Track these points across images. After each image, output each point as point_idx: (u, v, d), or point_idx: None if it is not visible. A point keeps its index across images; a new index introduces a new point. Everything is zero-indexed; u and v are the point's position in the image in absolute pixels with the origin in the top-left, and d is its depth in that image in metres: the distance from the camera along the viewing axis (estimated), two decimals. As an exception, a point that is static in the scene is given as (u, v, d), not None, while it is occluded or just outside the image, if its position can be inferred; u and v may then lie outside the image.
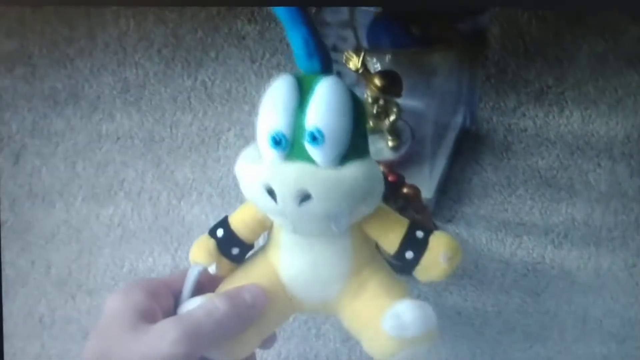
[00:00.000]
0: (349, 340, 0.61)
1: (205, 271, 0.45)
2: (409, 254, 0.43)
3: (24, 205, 0.71)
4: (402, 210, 0.59)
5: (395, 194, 0.59)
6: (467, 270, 0.63)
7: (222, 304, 0.43)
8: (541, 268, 0.63)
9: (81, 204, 0.70)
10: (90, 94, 0.76)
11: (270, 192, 0.40)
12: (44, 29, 0.81)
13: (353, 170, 0.40)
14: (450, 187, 0.68)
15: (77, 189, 0.71)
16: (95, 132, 0.74)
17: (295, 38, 0.42)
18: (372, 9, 0.63)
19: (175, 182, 0.70)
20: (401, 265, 0.44)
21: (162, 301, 0.43)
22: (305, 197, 0.40)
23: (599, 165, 0.67)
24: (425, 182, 0.65)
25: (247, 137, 0.72)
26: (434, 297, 0.63)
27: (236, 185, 0.69)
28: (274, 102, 0.41)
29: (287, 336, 0.62)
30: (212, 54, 0.77)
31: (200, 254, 0.45)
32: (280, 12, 0.42)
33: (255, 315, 0.44)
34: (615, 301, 0.61)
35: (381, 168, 0.59)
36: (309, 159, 0.40)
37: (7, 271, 0.68)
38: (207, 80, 0.76)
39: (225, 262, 0.46)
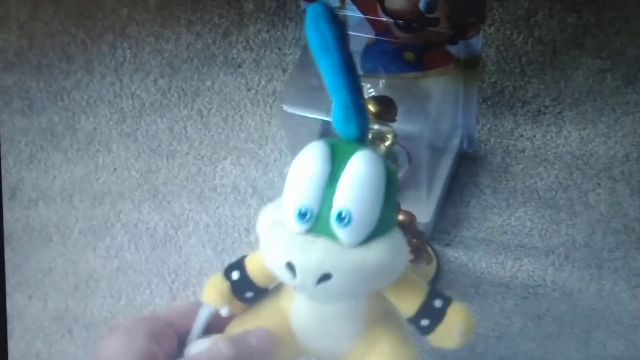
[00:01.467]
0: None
1: (215, 312, 0.45)
2: (425, 322, 0.43)
3: (21, 239, 0.71)
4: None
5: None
6: (467, 295, 0.63)
7: (227, 348, 0.42)
8: (542, 291, 0.62)
9: (78, 237, 0.70)
10: (87, 125, 0.76)
11: (290, 267, 0.39)
12: (41, 62, 0.81)
13: (378, 251, 0.39)
14: (449, 211, 0.67)
15: (74, 221, 0.71)
16: (91, 164, 0.74)
17: (336, 100, 0.40)
18: (365, 35, 0.64)
19: (172, 212, 0.70)
20: (416, 328, 0.44)
21: (165, 342, 0.43)
22: (325, 277, 0.39)
23: (598, 185, 0.67)
24: (422, 206, 0.64)
25: (243, 165, 0.72)
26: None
27: (233, 215, 0.69)
28: (303, 171, 0.40)
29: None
30: (208, 83, 0.77)
31: (213, 296, 0.45)
32: (324, 70, 0.40)
33: None
34: (619, 323, 0.60)
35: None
36: (333, 236, 0.39)
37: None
38: (203, 109, 0.76)
39: (238, 304, 0.45)
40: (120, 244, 0.69)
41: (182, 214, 0.70)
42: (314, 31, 0.39)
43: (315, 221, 0.39)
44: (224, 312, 0.44)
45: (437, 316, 0.42)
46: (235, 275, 0.44)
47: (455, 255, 0.65)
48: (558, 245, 0.64)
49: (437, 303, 0.42)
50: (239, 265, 0.45)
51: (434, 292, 0.43)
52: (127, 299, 0.66)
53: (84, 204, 0.72)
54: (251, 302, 0.45)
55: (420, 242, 0.61)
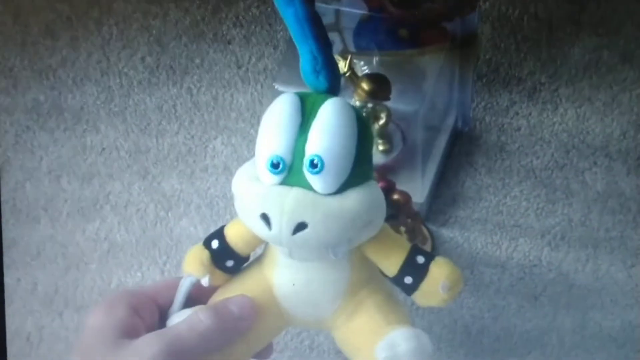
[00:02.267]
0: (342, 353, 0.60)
1: (197, 283, 0.44)
2: (408, 280, 0.42)
3: (8, 221, 0.69)
4: (393, 217, 0.58)
5: (386, 200, 0.57)
6: (463, 275, 0.62)
7: (206, 317, 0.41)
8: (538, 271, 0.62)
9: (66, 219, 0.68)
10: (74, 105, 0.75)
11: (265, 218, 0.39)
12: (25, 39, 0.79)
13: (354, 199, 0.39)
14: (444, 191, 0.66)
15: (62, 203, 0.69)
16: (79, 145, 0.72)
17: (303, 52, 0.40)
18: (358, 11, 0.62)
19: (162, 193, 0.69)
20: (401, 288, 0.43)
21: (146, 315, 0.42)
22: (301, 226, 0.38)
23: (595, 163, 0.66)
24: (417, 186, 0.64)
25: (234, 144, 0.71)
26: (429, 304, 0.61)
27: (224, 195, 0.68)
28: (274, 123, 0.39)
29: (281, 349, 0.61)
30: (197, 60, 0.76)
31: (194, 266, 0.44)
32: (289, 22, 0.40)
33: (243, 328, 0.43)
34: (615, 303, 0.60)
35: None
36: (308, 185, 0.38)
37: (-8, 289, 0.66)
38: (192, 87, 0.74)
39: (219, 273, 0.44)
40: (110, 226, 0.68)
41: (173, 195, 0.69)
42: None
43: (289, 172, 0.39)
44: (205, 281, 0.44)
45: (420, 272, 0.42)
46: (214, 244, 0.44)
47: (450, 235, 0.64)
48: (554, 224, 0.63)
49: (420, 259, 0.42)
50: (218, 234, 0.44)
51: (416, 248, 0.42)
52: (118, 281, 0.65)
53: (72, 185, 0.70)
54: (232, 272, 0.45)
55: (416, 223, 0.61)
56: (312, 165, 0.38)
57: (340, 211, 0.38)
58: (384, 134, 0.65)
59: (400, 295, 0.44)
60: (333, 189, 0.39)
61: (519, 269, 0.62)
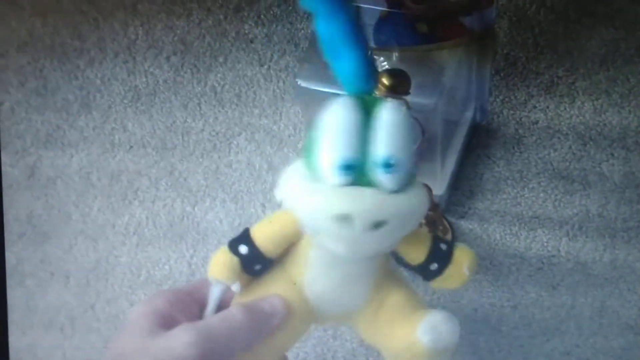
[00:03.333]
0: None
1: (227, 289, 0.44)
2: (434, 266, 0.45)
3: (41, 217, 0.72)
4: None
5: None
6: (482, 266, 0.63)
7: (239, 312, 0.43)
8: (556, 261, 0.63)
9: (97, 214, 0.71)
10: (102, 103, 0.77)
11: (343, 218, 0.39)
12: (54, 41, 0.81)
13: (417, 194, 0.41)
14: (462, 183, 0.67)
15: (92, 199, 0.72)
16: (108, 142, 0.74)
17: (350, 59, 0.41)
18: (377, 8, 0.63)
19: (188, 188, 0.71)
20: (425, 274, 0.45)
21: (185, 309, 0.44)
22: (380, 224, 0.40)
23: (612, 155, 0.67)
24: (436, 179, 0.65)
25: (258, 140, 0.72)
26: (450, 294, 0.62)
27: (249, 190, 0.70)
28: (339, 126, 0.40)
29: (304, 337, 0.62)
30: (221, 59, 0.78)
31: (223, 272, 0.44)
32: (333, 29, 0.41)
33: (274, 326, 0.44)
34: (633, 292, 0.61)
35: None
36: (375, 185, 0.40)
37: (27, 282, 0.69)
38: (216, 85, 0.76)
39: (247, 277, 0.45)
40: (139, 221, 0.70)
41: (199, 191, 0.71)
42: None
43: (357, 173, 0.40)
44: (236, 288, 0.44)
45: (445, 258, 0.44)
46: (243, 249, 0.43)
47: (469, 227, 0.65)
48: (572, 215, 0.64)
49: (443, 246, 0.45)
50: (246, 238, 0.44)
51: (437, 237, 0.45)
52: (146, 275, 0.67)
53: (101, 182, 0.72)
54: (258, 275, 0.45)
55: (437, 215, 0.62)
56: (387, 165, 0.40)
57: (410, 208, 0.41)
58: (404, 128, 0.66)
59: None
60: (399, 187, 0.40)
61: (538, 259, 0.63)
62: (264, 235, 0.44)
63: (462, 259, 0.45)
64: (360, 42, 0.41)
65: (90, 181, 0.73)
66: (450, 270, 0.44)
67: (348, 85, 0.42)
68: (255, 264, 0.44)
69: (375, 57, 0.45)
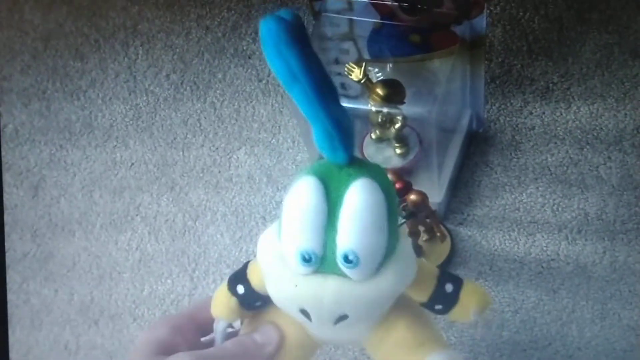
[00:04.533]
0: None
1: (229, 327, 0.46)
2: (438, 307, 0.43)
3: (45, 235, 0.73)
4: (411, 216, 0.60)
5: (404, 200, 0.59)
6: (481, 272, 0.63)
7: (231, 344, 0.45)
8: (556, 265, 0.63)
9: (99, 231, 0.72)
10: (104, 123, 0.78)
11: (304, 312, 0.39)
12: (56, 63, 0.83)
13: (388, 278, 0.38)
14: (461, 190, 0.68)
15: (95, 216, 0.73)
16: (110, 160, 0.75)
17: (316, 128, 0.37)
18: (371, 20, 0.64)
19: (189, 203, 0.72)
20: (431, 312, 0.44)
21: (187, 335, 0.46)
22: (342, 318, 0.39)
23: (609, 158, 0.67)
24: (434, 187, 0.65)
25: (257, 154, 0.73)
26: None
27: (249, 203, 0.71)
28: (300, 213, 0.38)
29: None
30: (220, 75, 0.79)
31: (223, 311, 0.45)
32: (297, 99, 0.36)
33: (268, 354, 0.45)
34: (634, 294, 0.60)
35: (389, 176, 0.60)
36: (342, 273, 0.38)
37: (32, 301, 0.70)
38: (215, 101, 0.77)
39: (249, 314, 0.46)
40: (141, 236, 0.71)
41: (200, 205, 0.71)
42: (276, 59, 0.34)
43: (321, 262, 0.38)
44: (237, 325, 0.46)
45: (450, 300, 0.42)
46: (240, 289, 0.44)
47: (468, 233, 0.65)
48: (570, 219, 0.65)
49: (449, 287, 0.42)
50: (242, 278, 0.44)
51: (444, 276, 0.42)
52: (149, 289, 0.68)
53: (104, 198, 0.73)
54: (261, 309, 0.45)
55: (434, 222, 0.63)
56: (347, 260, 0.37)
57: (377, 296, 0.38)
58: (400, 138, 0.67)
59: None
60: (369, 277, 0.38)
61: (537, 263, 0.63)
62: (258, 275, 0.43)
63: (469, 302, 0.42)
64: (326, 114, 0.36)
65: (92, 199, 0.74)
66: (456, 312, 0.42)
67: (322, 152, 0.38)
68: (254, 301, 0.44)
69: (352, 122, 0.37)
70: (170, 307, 0.67)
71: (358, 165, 0.38)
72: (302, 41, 0.34)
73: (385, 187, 0.38)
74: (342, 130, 0.37)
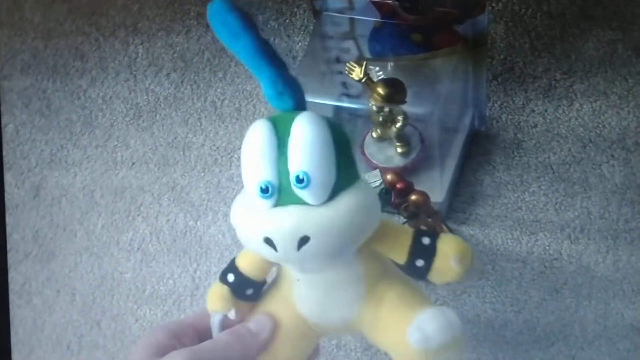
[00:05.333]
0: (370, 349, 0.62)
1: (225, 318, 0.46)
2: (419, 262, 0.43)
3: (47, 236, 0.73)
4: (413, 216, 0.60)
5: (405, 201, 0.59)
6: (484, 271, 0.63)
7: (226, 334, 0.45)
8: (559, 264, 0.62)
9: (101, 231, 0.71)
10: (104, 122, 0.78)
11: (269, 242, 0.40)
12: (56, 62, 0.83)
13: (346, 202, 0.40)
14: (463, 189, 0.67)
15: (97, 216, 0.72)
16: (110, 160, 0.75)
17: (262, 79, 0.42)
18: (372, 19, 0.64)
19: (191, 203, 0.71)
20: (415, 273, 0.44)
21: (186, 340, 0.46)
22: (304, 241, 0.40)
23: (612, 156, 0.67)
24: (436, 186, 0.65)
25: (258, 153, 0.73)
26: (452, 300, 0.62)
27: (250, 202, 0.70)
28: (253, 150, 0.41)
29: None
30: (220, 74, 0.78)
31: (217, 303, 0.46)
32: (240, 56, 0.42)
33: (263, 342, 0.45)
34: (637, 293, 0.60)
35: (390, 177, 0.59)
36: (301, 201, 0.40)
37: (34, 301, 0.70)
38: (216, 100, 0.77)
39: (243, 304, 0.46)
40: (142, 237, 0.70)
41: (201, 205, 0.71)
42: (219, 24, 0.41)
43: (279, 193, 0.40)
44: (232, 315, 0.46)
45: (429, 252, 0.43)
46: (230, 277, 0.46)
47: (471, 232, 0.65)
48: (573, 218, 0.64)
49: (425, 240, 0.43)
50: (232, 267, 0.46)
51: (420, 231, 0.44)
52: (151, 289, 0.68)
53: (105, 199, 0.73)
54: (254, 298, 0.47)
55: (436, 222, 0.62)
56: (299, 181, 0.39)
57: (336, 217, 0.40)
58: (402, 137, 0.66)
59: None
60: (324, 198, 0.40)
61: (540, 262, 0.63)
62: (247, 261, 0.46)
63: (448, 251, 0.42)
64: (267, 64, 0.41)
65: (94, 199, 0.74)
66: (437, 267, 0.43)
67: (270, 103, 0.42)
68: (245, 288, 0.46)
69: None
70: (172, 307, 0.67)
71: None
72: (239, 10, 0.41)
73: (331, 122, 0.41)
74: (285, 78, 0.41)
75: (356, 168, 0.42)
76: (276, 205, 0.40)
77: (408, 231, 0.44)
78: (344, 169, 0.41)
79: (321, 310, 0.45)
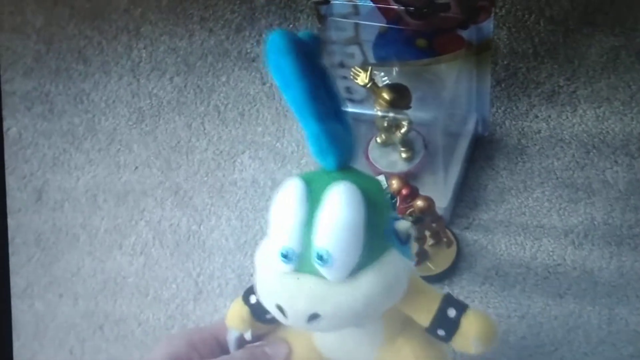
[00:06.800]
0: None
1: (241, 337, 0.46)
2: (441, 332, 0.42)
3: (49, 240, 0.72)
4: (418, 221, 0.60)
5: (410, 207, 0.59)
6: (488, 277, 0.63)
7: (242, 352, 0.46)
8: (563, 270, 0.62)
9: (104, 236, 0.71)
10: (107, 126, 0.78)
11: (280, 309, 0.40)
12: (59, 66, 0.83)
13: (365, 284, 0.39)
14: (466, 194, 0.68)
15: (99, 221, 0.72)
16: (113, 164, 0.75)
17: (307, 132, 0.39)
18: (377, 24, 0.64)
19: (194, 207, 0.71)
20: (436, 338, 0.43)
21: (203, 350, 0.46)
22: (314, 317, 0.39)
23: (615, 162, 0.67)
24: (440, 191, 0.65)
25: (261, 158, 0.73)
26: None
27: (254, 207, 0.70)
28: (282, 212, 0.40)
29: None
30: (224, 78, 0.78)
31: (235, 321, 0.46)
32: (290, 104, 0.39)
33: None
34: (641, 299, 0.60)
35: (396, 183, 0.59)
36: (319, 273, 0.39)
37: (36, 305, 0.69)
38: (219, 104, 0.77)
39: (261, 325, 0.46)
40: (145, 241, 0.70)
41: (204, 209, 0.71)
42: (273, 67, 0.39)
43: (300, 261, 0.39)
44: (247, 336, 0.46)
45: (451, 326, 0.42)
46: (252, 299, 0.45)
47: (474, 238, 0.65)
48: (577, 224, 0.64)
49: (451, 313, 0.42)
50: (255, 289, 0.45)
51: (447, 300, 0.42)
52: (154, 294, 0.68)
53: (108, 203, 0.73)
54: (274, 322, 0.45)
55: (440, 227, 0.62)
56: (319, 258, 0.38)
57: (352, 299, 0.39)
58: (406, 142, 0.66)
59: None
60: (344, 278, 0.39)
61: (544, 268, 0.63)
62: None
63: (470, 330, 0.41)
64: (315, 116, 0.39)
65: (96, 203, 0.73)
66: (457, 339, 0.42)
67: (315, 157, 0.40)
68: (266, 312, 0.44)
69: (351, 132, 0.39)
70: (175, 311, 0.66)
71: (349, 172, 0.40)
72: (297, 51, 0.38)
73: (370, 194, 0.39)
74: (332, 135, 0.39)
75: (386, 239, 0.40)
76: (295, 271, 0.39)
77: (436, 297, 0.42)
78: (372, 245, 0.39)
79: (337, 350, 0.45)
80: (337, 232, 0.38)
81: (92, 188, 0.74)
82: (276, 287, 0.40)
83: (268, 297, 0.41)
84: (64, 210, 0.74)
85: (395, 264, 0.40)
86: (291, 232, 0.39)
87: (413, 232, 0.44)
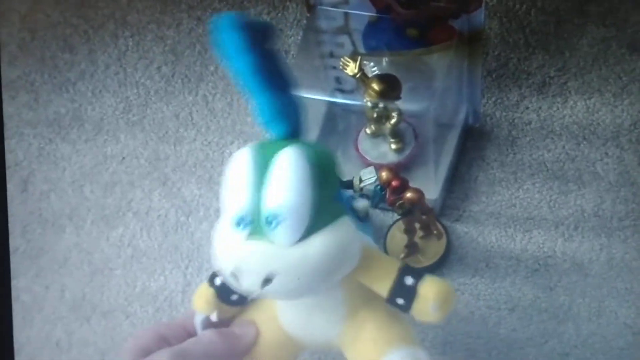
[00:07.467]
0: None
1: (208, 319, 0.47)
2: (400, 301, 0.43)
3: (35, 231, 0.71)
4: (408, 213, 0.59)
5: (400, 199, 0.58)
6: (478, 269, 0.63)
7: (211, 333, 0.46)
8: (553, 262, 0.62)
9: (91, 227, 0.71)
10: (94, 116, 0.77)
11: (234, 276, 0.40)
12: (44, 54, 0.81)
13: (316, 246, 0.39)
14: (457, 186, 0.67)
15: (86, 211, 0.71)
16: (100, 154, 0.74)
17: (256, 101, 0.41)
18: (366, 13, 0.63)
19: (182, 198, 0.71)
20: (396, 308, 0.44)
21: (175, 342, 0.45)
22: (267, 281, 0.39)
23: (606, 154, 0.66)
24: (430, 182, 0.65)
25: (250, 149, 0.72)
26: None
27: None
28: (233, 180, 0.40)
29: None
30: (212, 68, 0.77)
31: (201, 304, 0.47)
32: (240, 75, 0.40)
33: (245, 345, 0.46)
34: (630, 292, 0.60)
35: (385, 174, 0.59)
36: (271, 239, 0.39)
37: (22, 297, 0.69)
38: (208, 94, 0.76)
39: (227, 308, 0.47)
40: (133, 232, 0.70)
41: (193, 200, 0.70)
42: (223, 42, 0.40)
43: (253, 226, 0.39)
44: (213, 317, 0.46)
45: (410, 294, 0.42)
46: (217, 281, 0.46)
47: (465, 230, 0.65)
48: (567, 216, 0.64)
49: (408, 280, 0.42)
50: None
51: (405, 269, 0.43)
52: (142, 286, 0.67)
53: (95, 194, 0.72)
54: (239, 304, 0.47)
55: (430, 219, 0.62)
56: (268, 222, 0.38)
57: (303, 261, 0.39)
58: (396, 133, 0.66)
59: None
60: (294, 241, 0.39)
61: (534, 260, 0.63)
62: None
63: (428, 296, 0.42)
64: (266, 85, 0.40)
65: (83, 194, 0.72)
66: (417, 307, 0.42)
67: (264, 126, 0.41)
68: (231, 294, 0.46)
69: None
70: (164, 303, 0.66)
71: (299, 142, 0.41)
72: (252, 31, 0.39)
73: (318, 160, 0.39)
74: (282, 103, 0.40)
75: (338, 206, 0.41)
76: (247, 238, 0.39)
77: (393, 266, 0.43)
78: (323, 209, 0.39)
79: (302, 327, 0.46)
80: (284, 193, 0.38)
81: (79, 179, 0.73)
82: (230, 253, 0.40)
83: (223, 264, 0.41)
84: (50, 201, 0.73)
85: (346, 231, 0.41)
86: (242, 198, 0.39)
87: (370, 211, 0.46)
